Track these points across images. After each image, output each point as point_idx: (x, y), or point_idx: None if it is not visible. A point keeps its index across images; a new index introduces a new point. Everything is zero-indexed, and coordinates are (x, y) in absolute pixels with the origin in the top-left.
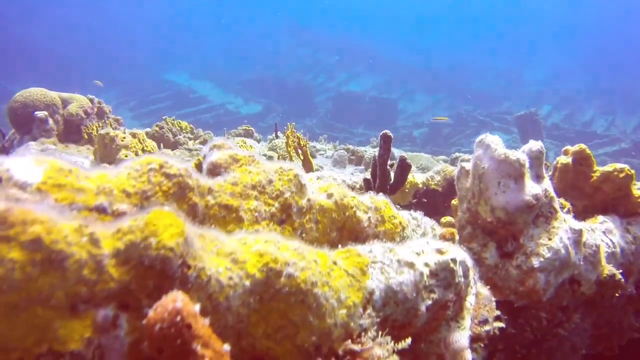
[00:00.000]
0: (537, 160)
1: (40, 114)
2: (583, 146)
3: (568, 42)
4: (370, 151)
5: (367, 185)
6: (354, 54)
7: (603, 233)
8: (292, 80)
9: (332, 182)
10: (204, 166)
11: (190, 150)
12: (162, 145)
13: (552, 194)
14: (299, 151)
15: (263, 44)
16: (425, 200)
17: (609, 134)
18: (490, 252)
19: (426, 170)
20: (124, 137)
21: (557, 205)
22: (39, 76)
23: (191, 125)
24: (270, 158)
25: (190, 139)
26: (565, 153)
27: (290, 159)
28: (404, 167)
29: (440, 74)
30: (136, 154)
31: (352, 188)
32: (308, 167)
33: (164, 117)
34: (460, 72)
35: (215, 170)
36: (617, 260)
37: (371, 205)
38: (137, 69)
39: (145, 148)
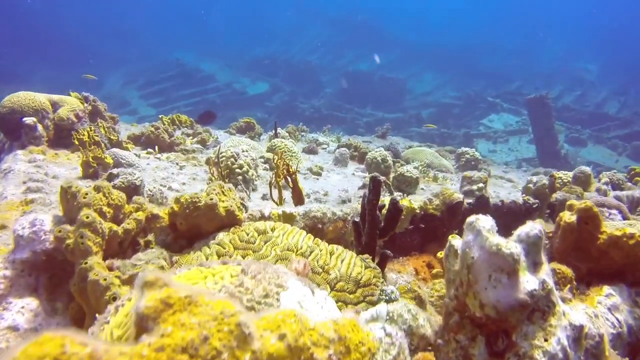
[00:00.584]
0: (535, 246)
1: (29, 120)
2: (589, 203)
3: (580, 21)
4: (373, 147)
5: (356, 229)
6: (362, 33)
7: (608, 310)
8: (300, 59)
9: (306, 248)
10: (133, 317)
11: (186, 151)
12: (157, 148)
13: (551, 285)
14: (289, 179)
15: (271, 23)
16: (423, 226)
17: (621, 116)
18: (479, 349)
19: (430, 168)
20: (86, 194)
21: (555, 299)
22: (45, 56)
23: (191, 119)
24: (268, 161)
25: (188, 135)
26: (570, 209)
27: (279, 190)
28: (395, 212)
29: (450, 52)
30: (100, 211)
31: (344, 220)
32: (297, 196)
33: (160, 116)
34: (470, 51)
35: (142, 325)
36: (623, 341)
37: (334, 336)
38: (143, 47)
39: (111, 202)
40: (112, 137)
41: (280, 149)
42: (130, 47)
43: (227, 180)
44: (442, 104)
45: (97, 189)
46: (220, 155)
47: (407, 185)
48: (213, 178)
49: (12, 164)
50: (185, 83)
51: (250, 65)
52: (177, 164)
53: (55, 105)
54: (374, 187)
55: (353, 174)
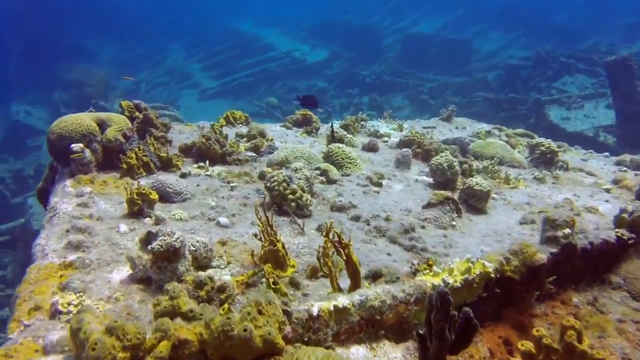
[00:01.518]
0: None
1: (76, 147)
2: None
3: None
4: (437, 140)
5: (422, 345)
6: None
7: None
8: (359, 24)
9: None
10: None
11: (239, 162)
12: (207, 162)
13: None
14: (342, 252)
15: None
16: (499, 291)
17: None
18: None
19: (501, 164)
20: (95, 345)
21: None
22: (109, 31)
23: (245, 115)
24: (324, 173)
25: (242, 137)
26: None
27: (330, 273)
28: (469, 328)
29: (517, 8)
30: None
31: (406, 303)
32: (352, 272)
33: (211, 124)
34: (539, 5)
35: None
36: None
37: None
38: (202, 18)
39: (127, 343)
40: (161, 154)
41: (337, 155)
42: (189, 19)
43: (279, 206)
44: (509, 65)
45: (110, 331)
46: (272, 180)
47: (477, 200)
48: (262, 229)
49: (59, 203)
50: (245, 53)
51: (309, 32)
52: (228, 182)
53: (103, 125)
54: (442, 305)
55: (416, 179)
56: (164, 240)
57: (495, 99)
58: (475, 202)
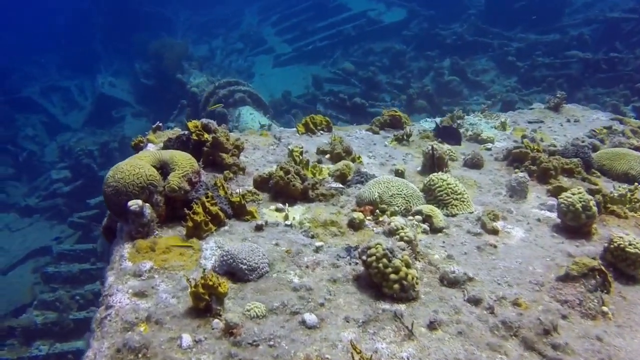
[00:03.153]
0: None
1: (134, 206)
2: None
3: None
4: (549, 137)
5: None
6: None
7: None
8: None
9: None
10: None
11: (324, 197)
12: (287, 205)
13: None
14: None
15: None
16: None
17: None
18: None
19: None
20: None
21: None
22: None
23: (326, 119)
24: (427, 218)
25: (324, 153)
26: None
27: None
28: None
29: None
30: None
31: None
32: None
33: (291, 149)
34: None
35: None
36: None
37: None
38: None
39: None
40: (233, 198)
41: (440, 189)
42: None
43: (380, 284)
44: (610, 19)
45: None
46: (368, 253)
47: (631, 265)
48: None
49: (114, 290)
50: (319, 15)
51: None
52: (312, 236)
53: (165, 168)
54: None
55: (538, 219)
56: None
57: (592, 59)
58: (628, 269)
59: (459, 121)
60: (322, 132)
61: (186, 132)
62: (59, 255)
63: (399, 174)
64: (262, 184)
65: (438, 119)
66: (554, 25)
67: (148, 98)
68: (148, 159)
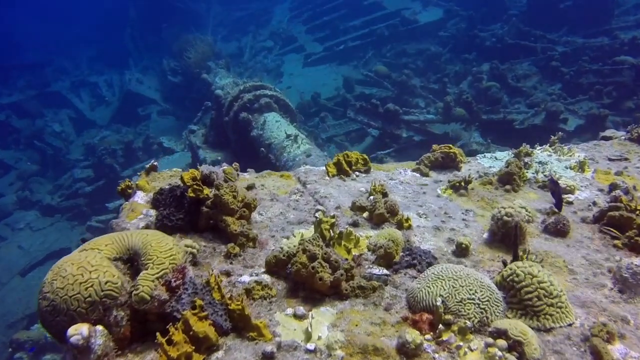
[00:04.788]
0: None
1: (75, 336)
2: None
3: None
4: None
5: None
6: None
7: None
8: None
9: None
10: None
11: (361, 291)
12: (310, 312)
13: None
14: None
15: None
16: None
17: None
18: None
19: None
20: None
21: None
22: None
23: (364, 157)
24: (517, 345)
25: (362, 210)
26: None
27: None
28: None
29: None
30: None
31: None
32: None
33: (319, 219)
34: None
35: None
36: None
37: None
38: None
39: None
40: (232, 305)
41: (527, 289)
42: None
43: None
44: None
45: None
46: None
47: None
48: None
49: None
50: (351, 13)
51: None
52: None
53: (134, 260)
54: None
55: None
56: None
57: None
58: None
59: (526, 159)
60: (358, 173)
61: (181, 186)
62: None
63: (462, 249)
64: (277, 267)
65: (509, 154)
66: (602, 27)
67: (175, 96)
68: (108, 249)
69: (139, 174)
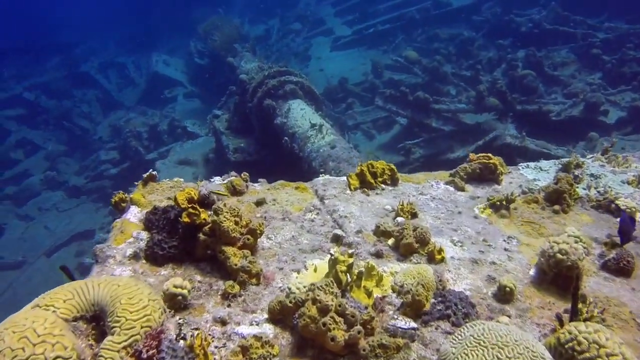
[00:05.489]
0: None
1: None
2: None
3: None
4: None
5: None
6: None
7: None
8: None
9: None
10: None
11: (383, 352)
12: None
13: None
14: None
15: None
16: None
17: None
18: None
19: None
20: None
21: None
22: None
23: (390, 167)
24: None
25: (387, 237)
26: None
27: None
28: None
29: None
30: None
31: None
32: None
33: (334, 258)
34: None
35: None
36: None
37: None
38: None
39: None
40: None
41: None
42: None
43: None
44: None
45: None
46: None
47: None
48: None
49: None
50: None
51: None
52: None
53: (100, 319)
54: None
55: None
56: None
57: None
58: None
59: (576, 172)
60: (383, 186)
61: (176, 209)
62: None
63: (506, 294)
64: (283, 315)
65: (555, 164)
66: None
67: (201, 78)
68: (67, 307)
69: (136, 183)
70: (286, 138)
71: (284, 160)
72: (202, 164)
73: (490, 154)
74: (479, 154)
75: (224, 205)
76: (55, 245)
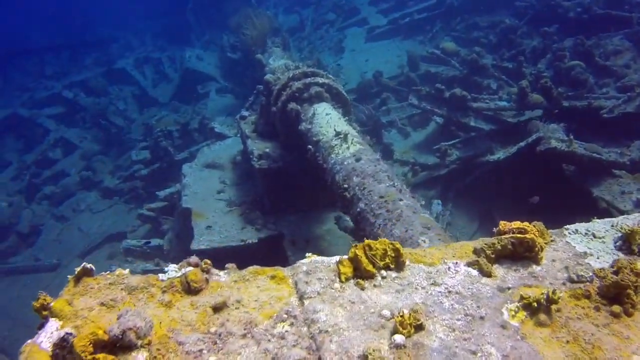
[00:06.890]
0: None
1: None
2: None
3: None
4: None
5: None
6: None
7: None
8: None
9: None
10: None
11: None
12: None
13: None
14: None
15: None
16: None
17: None
18: None
19: None
20: None
21: None
22: None
23: (394, 246)
24: None
25: (394, 336)
26: None
27: None
28: None
29: None
30: None
31: None
32: None
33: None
34: None
35: None
36: None
37: None
38: None
39: None
40: None
41: None
42: None
43: None
44: None
45: None
46: None
47: None
48: None
49: None
50: None
51: None
52: None
53: None
54: None
55: None
56: None
57: None
58: None
59: None
60: (385, 272)
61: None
62: (126, 251)
63: None
64: None
65: (612, 227)
66: None
67: (234, 73)
68: None
69: (69, 276)
70: (310, 147)
71: (308, 170)
72: (229, 168)
73: (527, 224)
74: (513, 223)
75: (186, 290)
76: (88, 247)
